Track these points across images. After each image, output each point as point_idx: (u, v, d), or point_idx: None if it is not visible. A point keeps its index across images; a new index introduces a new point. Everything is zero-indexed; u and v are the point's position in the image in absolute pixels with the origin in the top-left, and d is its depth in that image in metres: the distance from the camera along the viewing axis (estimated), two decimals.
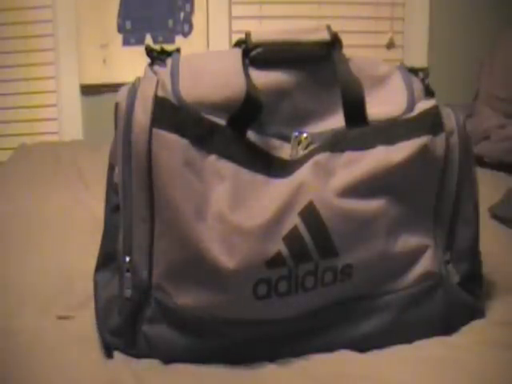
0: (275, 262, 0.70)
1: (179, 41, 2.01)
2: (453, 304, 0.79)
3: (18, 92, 1.98)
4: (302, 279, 0.72)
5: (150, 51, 0.80)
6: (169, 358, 0.74)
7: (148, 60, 0.81)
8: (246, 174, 0.74)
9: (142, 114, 0.72)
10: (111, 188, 0.79)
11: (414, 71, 0.84)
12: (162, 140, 0.71)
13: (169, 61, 0.79)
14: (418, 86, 0.82)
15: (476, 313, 0.81)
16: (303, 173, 0.73)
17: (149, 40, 1.99)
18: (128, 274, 0.74)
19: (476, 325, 0.80)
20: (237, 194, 0.72)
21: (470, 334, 0.78)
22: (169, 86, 0.75)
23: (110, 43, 1.98)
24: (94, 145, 1.77)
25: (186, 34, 2.01)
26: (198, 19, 2.01)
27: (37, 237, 1.12)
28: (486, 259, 0.84)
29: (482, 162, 1.53)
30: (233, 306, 0.71)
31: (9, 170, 1.59)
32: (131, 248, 0.74)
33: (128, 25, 1.98)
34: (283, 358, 0.74)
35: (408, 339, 0.77)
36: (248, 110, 0.75)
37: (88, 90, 2.00)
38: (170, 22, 2.00)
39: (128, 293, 0.74)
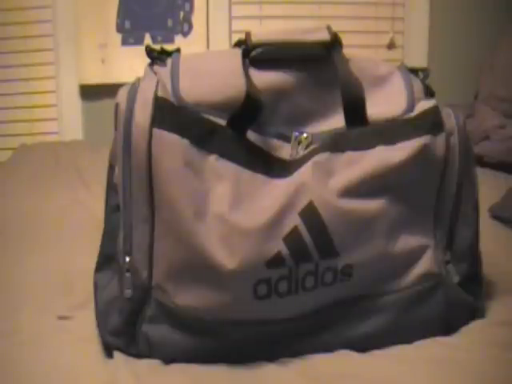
0: (275, 261, 0.70)
1: (179, 40, 2.00)
2: (453, 304, 0.79)
3: (18, 92, 1.98)
4: (302, 279, 0.72)
5: (150, 51, 0.80)
6: (169, 358, 0.74)
7: (147, 60, 0.81)
8: (246, 174, 0.74)
9: (142, 114, 0.72)
10: (111, 188, 0.79)
11: (414, 71, 0.84)
12: (162, 140, 0.71)
13: (169, 61, 0.79)
14: (417, 86, 0.82)
15: (476, 313, 0.81)
16: (303, 173, 0.73)
17: (148, 40, 1.99)
18: (128, 274, 0.74)
19: (476, 325, 0.80)
20: (237, 194, 0.72)
21: (469, 333, 0.78)
22: (169, 86, 0.75)
23: (108, 43, 1.98)
24: (94, 145, 1.77)
25: (185, 34, 2.01)
26: (197, 19, 2.01)
27: (37, 237, 1.12)
28: (486, 259, 0.84)
29: (482, 162, 1.53)
30: (233, 306, 0.71)
31: (9, 169, 1.59)
32: (131, 248, 0.74)
33: (127, 24, 1.98)
34: (283, 357, 0.74)
35: (408, 339, 0.77)
36: (248, 110, 0.75)
37: (88, 90, 2.00)
38: (170, 22, 2.00)
39: (128, 293, 0.74)
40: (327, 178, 0.73)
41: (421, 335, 0.78)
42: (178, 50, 0.82)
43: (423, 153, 0.75)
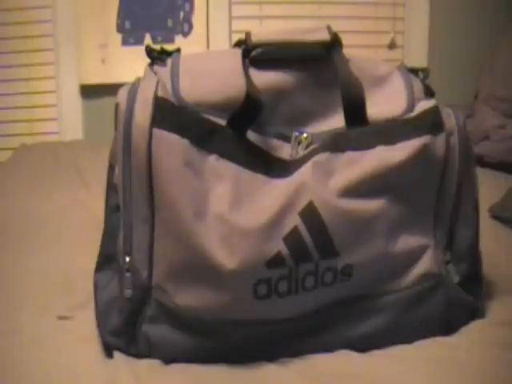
0: (275, 262, 0.70)
1: (179, 41, 2.00)
2: (453, 304, 0.79)
3: (18, 92, 1.98)
4: (302, 279, 0.72)
5: (150, 51, 0.80)
6: (169, 357, 0.74)
7: (147, 60, 0.81)
8: (246, 174, 0.74)
9: (142, 114, 0.72)
10: (111, 188, 0.79)
11: (414, 71, 0.84)
12: (162, 140, 0.71)
13: (169, 61, 0.79)
14: (417, 86, 0.82)
15: (476, 313, 0.81)
16: (303, 173, 0.73)
17: (148, 40, 1.99)
18: (128, 274, 0.74)
19: (476, 325, 0.80)
20: (237, 194, 0.72)
21: (470, 333, 0.78)
22: (169, 86, 0.75)
23: (109, 43, 1.98)
24: (94, 145, 1.77)
25: (185, 34, 2.01)
26: (197, 19, 2.01)
27: (37, 236, 1.12)
28: (486, 259, 0.84)
29: (482, 162, 1.53)
30: (233, 305, 0.71)
31: (9, 169, 1.59)
32: (131, 248, 0.74)
33: (127, 25, 1.98)
34: (283, 357, 0.74)
35: (408, 339, 0.77)
36: (248, 110, 0.75)
37: (88, 90, 2.00)
38: (170, 22, 2.00)
39: (128, 293, 0.74)
40: (327, 178, 0.73)
41: (421, 335, 0.78)
42: (178, 50, 0.82)
43: (423, 153, 0.75)
